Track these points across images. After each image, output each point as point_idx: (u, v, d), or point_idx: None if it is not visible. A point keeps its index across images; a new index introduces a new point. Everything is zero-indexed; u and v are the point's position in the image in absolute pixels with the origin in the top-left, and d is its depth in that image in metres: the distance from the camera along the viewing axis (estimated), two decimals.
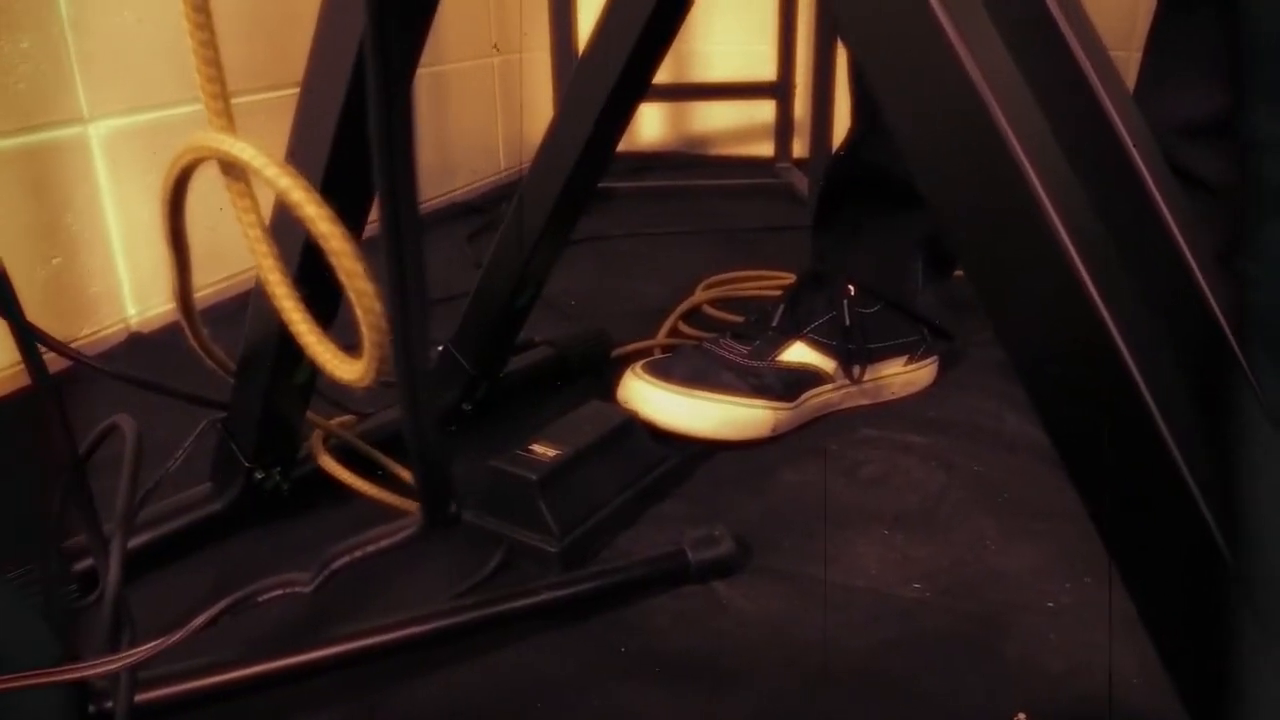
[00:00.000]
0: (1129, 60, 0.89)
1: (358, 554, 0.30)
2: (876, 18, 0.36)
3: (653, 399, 0.80)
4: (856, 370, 0.86)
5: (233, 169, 0.32)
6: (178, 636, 0.31)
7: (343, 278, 0.26)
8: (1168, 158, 0.87)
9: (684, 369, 0.82)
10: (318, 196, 0.28)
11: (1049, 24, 0.35)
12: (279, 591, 0.34)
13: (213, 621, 0.33)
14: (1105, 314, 0.34)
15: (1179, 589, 0.36)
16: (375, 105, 0.21)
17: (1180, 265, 0.36)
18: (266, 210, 0.39)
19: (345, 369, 0.30)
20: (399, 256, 0.22)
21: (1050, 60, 0.35)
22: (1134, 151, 0.35)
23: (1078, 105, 0.35)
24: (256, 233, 0.33)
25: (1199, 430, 0.35)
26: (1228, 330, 0.36)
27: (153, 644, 0.32)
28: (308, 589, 0.32)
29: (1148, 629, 0.37)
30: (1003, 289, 0.37)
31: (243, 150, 0.30)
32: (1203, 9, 0.82)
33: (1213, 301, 0.36)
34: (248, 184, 0.32)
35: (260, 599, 0.34)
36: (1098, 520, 0.37)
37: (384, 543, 0.29)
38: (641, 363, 0.85)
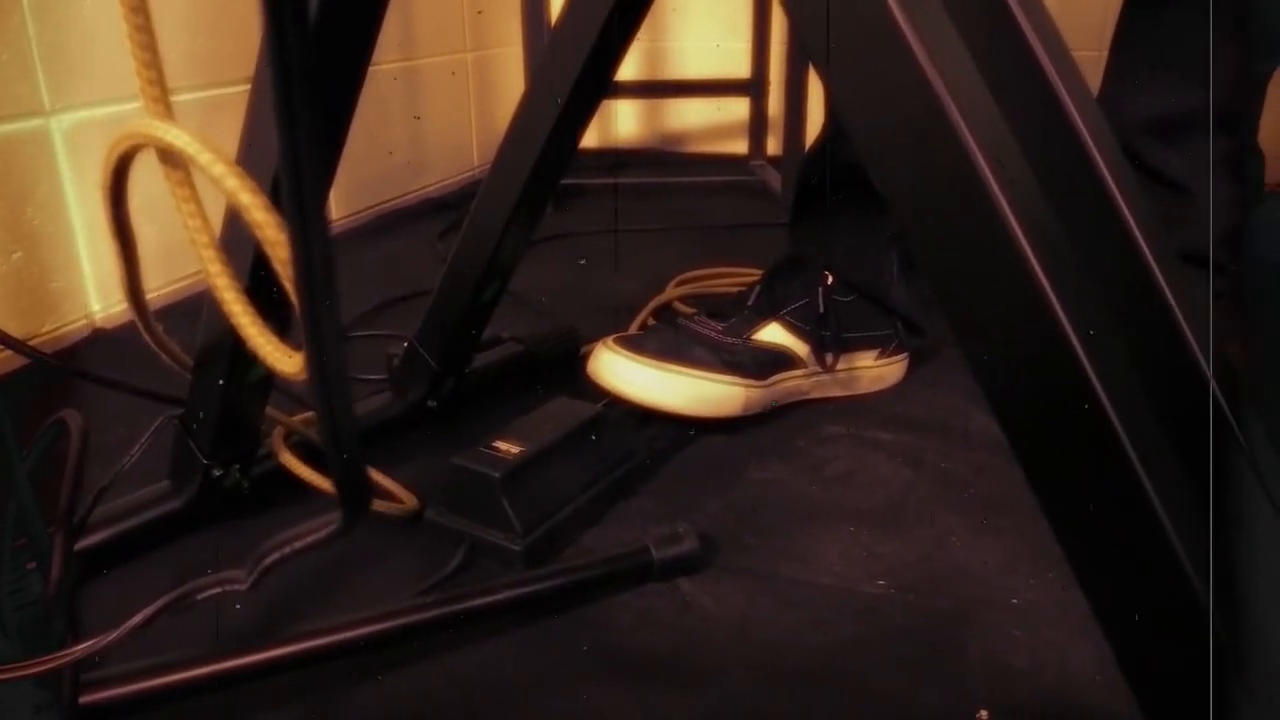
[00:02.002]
0: (1100, 59, 0.89)
1: (286, 550, 0.30)
2: (832, 15, 0.35)
3: (623, 371, 0.80)
4: (829, 358, 0.86)
5: (171, 157, 0.31)
6: (113, 636, 0.31)
7: (277, 267, 0.25)
8: (1134, 155, 0.87)
9: (657, 343, 0.82)
10: (255, 185, 0.27)
11: (1009, 21, 0.34)
12: (217, 589, 0.33)
13: (150, 621, 0.32)
14: (1061, 315, 0.34)
15: (1141, 597, 0.36)
16: (276, 103, 0.20)
17: (1140, 265, 0.35)
18: (220, 207, 0.38)
19: (286, 362, 0.30)
20: (306, 250, 0.21)
21: (1010, 58, 0.34)
22: (1094, 151, 0.35)
23: (1037, 104, 0.35)
24: (197, 223, 0.32)
25: (1158, 438, 0.35)
26: (1187, 331, 0.36)
27: (89, 643, 0.31)
28: (244, 586, 0.32)
29: (1107, 637, 0.37)
30: (960, 291, 0.36)
31: (177, 137, 0.29)
32: (1168, 7, 0.82)
33: (1172, 301, 0.35)
34: (187, 173, 0.32)
35: (199, 597, 0.33)
36: (1057, 531, 0.36)
37: (310, 538, 0.28)
38: (614, 336, 0.84)
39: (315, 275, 0.22)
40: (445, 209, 1.59)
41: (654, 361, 0.80)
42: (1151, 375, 0.35)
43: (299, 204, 0.20)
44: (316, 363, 0.24)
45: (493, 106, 1.83)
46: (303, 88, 0.20)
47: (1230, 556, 0.35)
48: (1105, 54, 0.89)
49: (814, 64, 0.37)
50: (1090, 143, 0.35)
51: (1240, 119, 0.85)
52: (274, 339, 0.31)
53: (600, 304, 1.13)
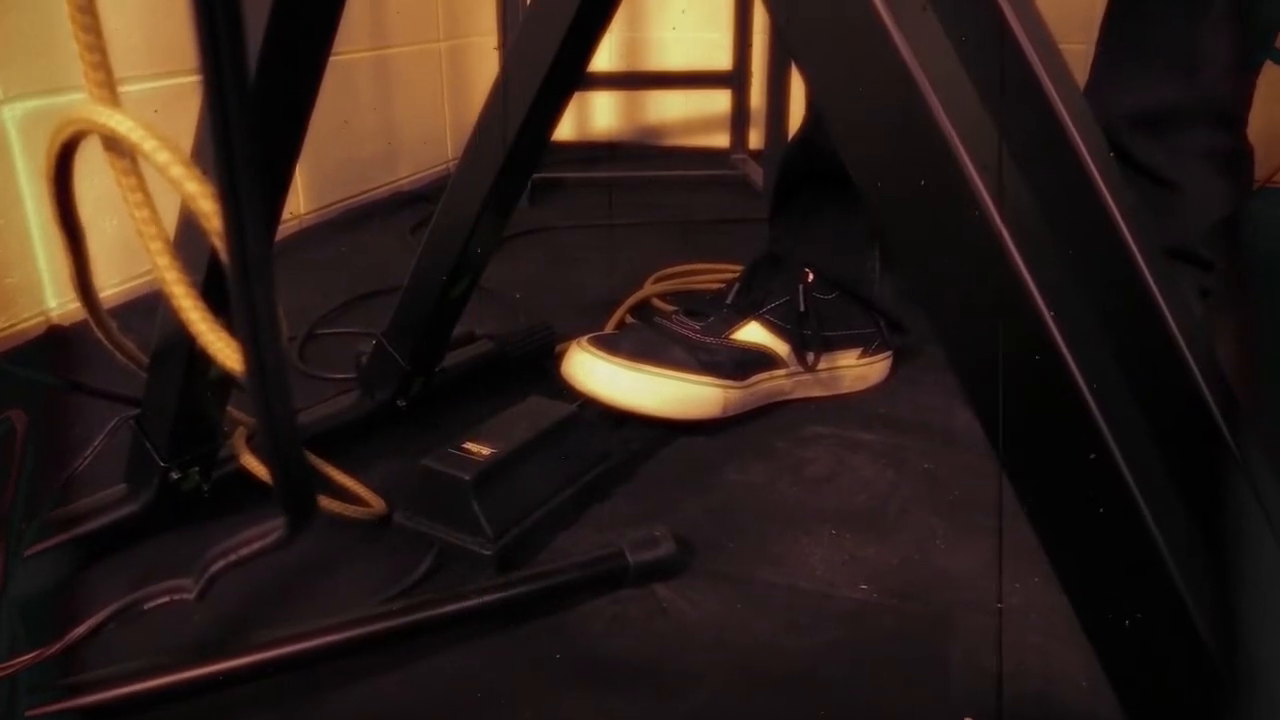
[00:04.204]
0: (1087, 52, 0.89)
1: (232, 558, 0.29)
2: (811, 5, 0.35)
3: (598, 373, 0.79)
4: (810, 357, 0.85)
5: (116, 145, 0.30)
6: (56, 648, 0.30)
7: (214, 240, 0.24)
8: (1120, 150, 0.87)
9: (632, 343, 0.81)
10: (201, 174, 0.26)
11: (994, 13, 0.34)
12: (164, 599, 0.32)
13: (94, 631, 0.31)
14: (1044, 312, 0.34)
15: (1126, 602, 0.35)
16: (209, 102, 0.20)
17: (1126, 261, 0.35)
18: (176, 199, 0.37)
19: (236, 358, 0.29)
20: (240, 235, 0.20)
21: (995, 50, 0.34)
22: (1080, 145, 0.35)
23: (1023, 97, 0.34)
24: (144, 214, 0.31)
25: (1145, 439, 0.34)
26: (1174, 327, 0.35)
27: (29, 655, 0.30)
28: (191, 596, 0.31)
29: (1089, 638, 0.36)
30: (938, 288, 0.36)
31: (121, 123, 0.28)
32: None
33: (1159, 297, 0.35)
34: (133, 161, 0.31)
35: (145, 607, 0.32)
36: (1039, 533, 0.36)
37: (256, 545, 0.28)
38: (589, 336, 0.84)
39: (248, 261, 0.21)
40: (418, 202, 1.58)
41: (629, 362, 0.79)
42: (1138, 373, 0.35)
43: (231, 187, 0.20)
44: (253, 361, 0.23)
45: (467, 97, 1.82)
46: (235, 67, 0.19)
47: (1218, 561, 0.35)
48: (1093, 47, 0.89)
49: (791, 53, 0.37)
50: (1076, 137, 0.35)
51: (1235, 112, 0.85)
52: (225, 335, 0.30)
53: (576, 300, 1.12)
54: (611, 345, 0.81)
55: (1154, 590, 0.34)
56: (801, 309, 0.85)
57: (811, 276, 0.87)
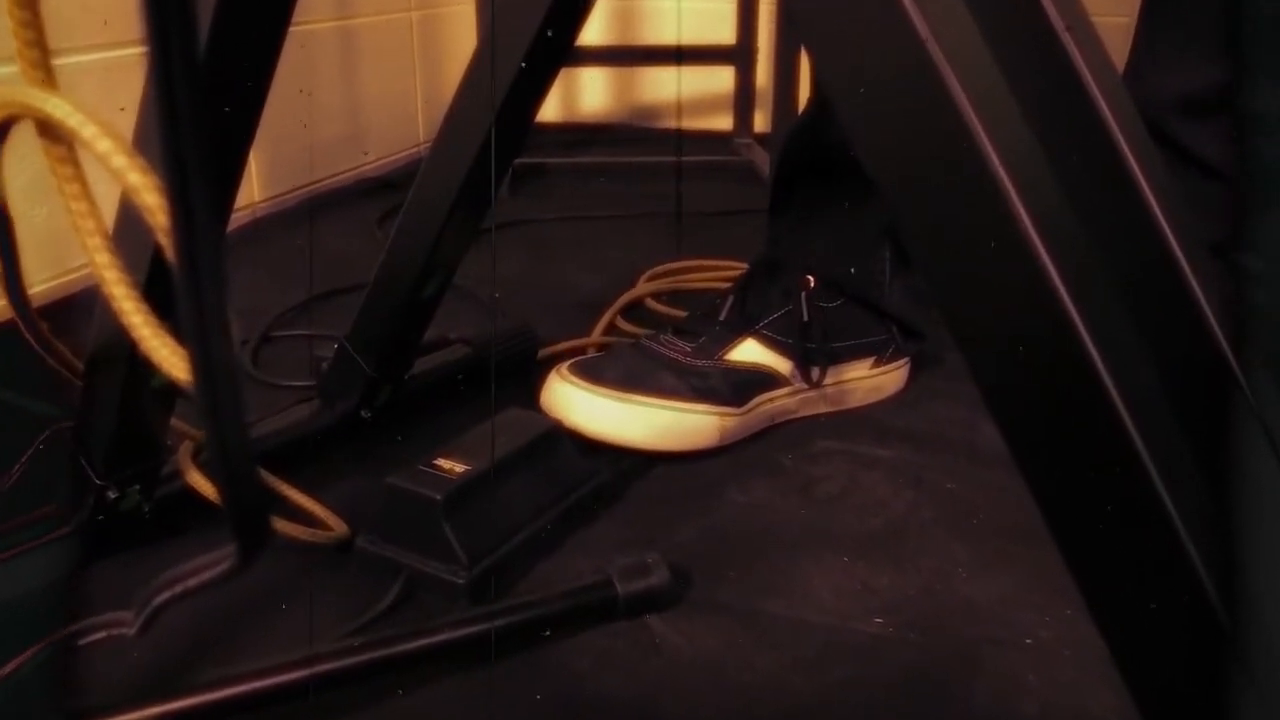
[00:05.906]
0: (1128, 26, 0.90)
1: (177, 589, 0.29)
2: None
3: (581, 405, 0.79)
4: (816, 373, 0.86)
5: (50, 130, 0.30)
6: None
7: (159, 236, 0.24)
8: (1167, 137, 0.86)
9: (617, 370, 0.81)
10: (146, 164, 0.27)
11: None
12: (101, 634, 0.32)
13: (18, 669, 0.31)
14: (1074, 314, 0.34)
15: (1164, 640, 0.36)
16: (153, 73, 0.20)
17: (1165, 259, 0.35)
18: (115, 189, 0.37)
19: (182, 365, 0.29)
20: (188, 231, 0.21)
21: (1021, 24, 0.34)
22: (1115, 129, 0.35)
23: (1051, 76, 0.35)
24: (81, 206, 0.31)
25: (1184, 451, 0.35)
26: (1219, 334, 0.36)
27: None
28: (132, 630, 0.31)
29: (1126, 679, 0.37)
30: (959, 287, 0.36)
31: (57, 107, 0.28)
32: None
33: (1202, 299, 0.36)
34: (70, 149, 0.31)
35: (81, 642, 0.32)
36: (1067, 556, 0.37)
37: (205, 576, 0.28)
38: (569, 363, 0.84)
39: (197, 259, 0.21)
40: (386, 190, 1.58)
41: (615, 392, 0.79)
42: (1175, 379, 0.35)
43: (179, 178, 0.20)
44: (203, 371, 0.23)
45: (441, 72, 1.83)
46: (185, 40, 0.19)
47: (1255, 573, 0.35)
48: (1134, 21, 0.89)
49: (796, 25, 0.37)
50: (1111, 120, 0.35)
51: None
52: (170, 341, 0.31)
53: (561, 301, 1.13)
54: (594, 373, 0.81)
55: (1193, 622, 0.35)
56: (804, 319, 0.86)
57: (813, 282, 0.87)
